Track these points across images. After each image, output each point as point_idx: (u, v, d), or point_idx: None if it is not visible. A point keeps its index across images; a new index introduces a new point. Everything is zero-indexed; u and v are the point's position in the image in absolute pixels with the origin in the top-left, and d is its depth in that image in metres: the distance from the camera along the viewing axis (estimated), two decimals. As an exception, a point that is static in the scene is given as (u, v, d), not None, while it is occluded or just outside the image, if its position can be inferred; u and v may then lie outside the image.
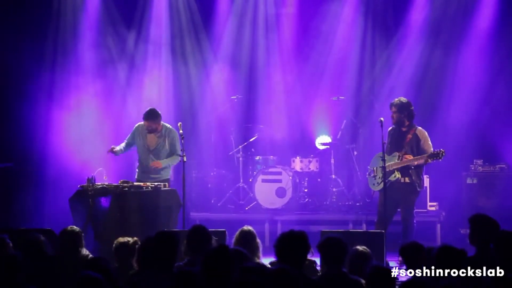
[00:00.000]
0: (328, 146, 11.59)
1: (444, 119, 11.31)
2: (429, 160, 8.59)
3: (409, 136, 8.75)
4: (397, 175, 8.69)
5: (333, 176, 11.44)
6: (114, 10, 11.72)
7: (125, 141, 9.27)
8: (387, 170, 8.66)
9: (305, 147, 11.88)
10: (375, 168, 8.97)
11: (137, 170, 9.30)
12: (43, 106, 11.27)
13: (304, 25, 12.05)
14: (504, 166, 10.75)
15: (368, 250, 5.73)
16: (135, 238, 6.28)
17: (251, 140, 11.65)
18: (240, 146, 11.62)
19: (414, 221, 8.75)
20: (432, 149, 8.69)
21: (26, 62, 11.09)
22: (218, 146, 12.07)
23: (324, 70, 11.97)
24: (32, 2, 11.36)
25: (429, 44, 11.52)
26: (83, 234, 6.56)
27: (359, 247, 5.72)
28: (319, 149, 11.77)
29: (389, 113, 8.88)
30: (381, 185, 8.72)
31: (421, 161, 8.63)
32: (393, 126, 8.92)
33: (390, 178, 8.69)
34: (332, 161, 11.49)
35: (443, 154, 8.46)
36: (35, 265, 5.83)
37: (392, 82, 11.68)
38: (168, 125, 9.30)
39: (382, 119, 8.61)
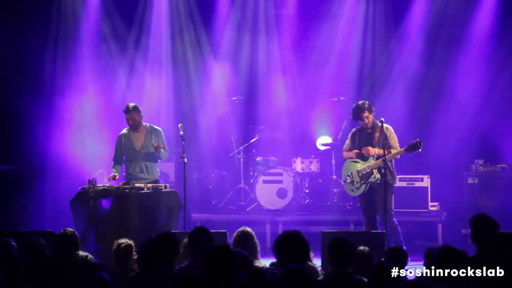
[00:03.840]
0: (329, 147, 11.58)
1: (445, 119, 11.32)
2: (403, 151, 8.53)
3: (377, 135, 8.75)
4: (377, 175, 8.68)
5: (334, 177, 11.43)
6: (114, 11, 11.74)
7: (114, 159, 9.11)
8: (366, 172, 8.69)
9: (306, 147, 11.88)
10: (350, 173, 8.94)
11: (124, 174, 9.16)
12: (45, 109, 11.30)
13: (305, 26, 12.06)
14: (505, 166, 10.75)
15: (369, 250, 5.76)
16: (130, 242, 6.29)
17: (252, 141, 11.64)
18: (241, 147, 11.61)
19: (395, 220, 8.71)
20: (398, 144, 8.69)
21: (29, 65, 11.13)
22: (219, 147, 12.07)
23: (324, 71, 11.97)
24: (33, 3, 11.41)
25: (429, 44, 11.54)
26: (79, 236, 6.57)
27: (361, 248, 5.74)
28: (320, 149, 11.76)
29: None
30: (361, 189, 8.76)
31: (398, 155, 8.61)
32: (356, 128, 8.93)
33: (369, 180, 8.69)
34: (333, 161, 11.48)
35: (421, 143, 8.42)
36: (35, 267, 5.84)
37: (392, 82, 11.68)
38: (151, 125, 9.24)
39: (382, 119, 8.61)
